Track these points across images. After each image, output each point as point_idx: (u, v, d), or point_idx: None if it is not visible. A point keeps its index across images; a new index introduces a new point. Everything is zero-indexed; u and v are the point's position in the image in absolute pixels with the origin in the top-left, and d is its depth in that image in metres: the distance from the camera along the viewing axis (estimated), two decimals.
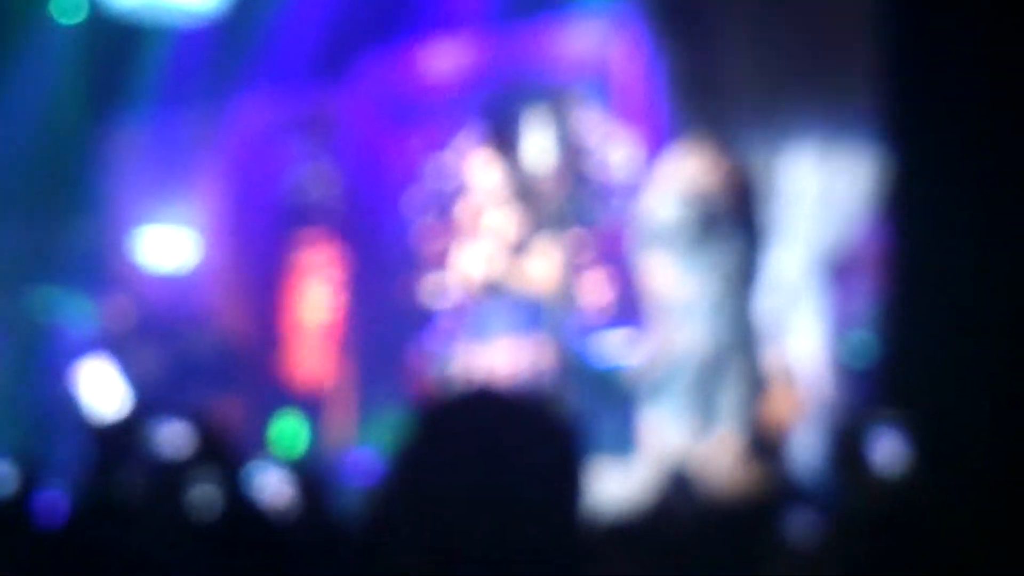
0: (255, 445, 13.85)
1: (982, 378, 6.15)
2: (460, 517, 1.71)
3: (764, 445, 7.51)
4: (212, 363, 15.38)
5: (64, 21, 16.19)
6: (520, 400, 1.81)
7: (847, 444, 5.63)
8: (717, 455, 7.18)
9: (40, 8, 15.99)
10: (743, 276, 7.39)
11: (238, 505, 4.10)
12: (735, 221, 7.35)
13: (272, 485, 4.58)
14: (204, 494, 3.88)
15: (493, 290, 7.56)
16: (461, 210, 14.72)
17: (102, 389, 3.89)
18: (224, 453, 3.95)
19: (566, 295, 8.99)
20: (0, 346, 15.82)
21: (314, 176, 16.88)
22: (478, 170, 7.65)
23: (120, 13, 13.82)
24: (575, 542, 1.80)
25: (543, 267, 7.41)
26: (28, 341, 14.97)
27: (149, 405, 14.50)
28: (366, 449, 15.14)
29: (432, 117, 15.62)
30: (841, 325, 8.99)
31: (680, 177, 7.30)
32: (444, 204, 15.59)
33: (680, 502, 4.53)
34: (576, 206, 9.00)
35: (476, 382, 6.45)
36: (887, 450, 4.42)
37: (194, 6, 13.74)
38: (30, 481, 5.51)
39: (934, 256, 6.40)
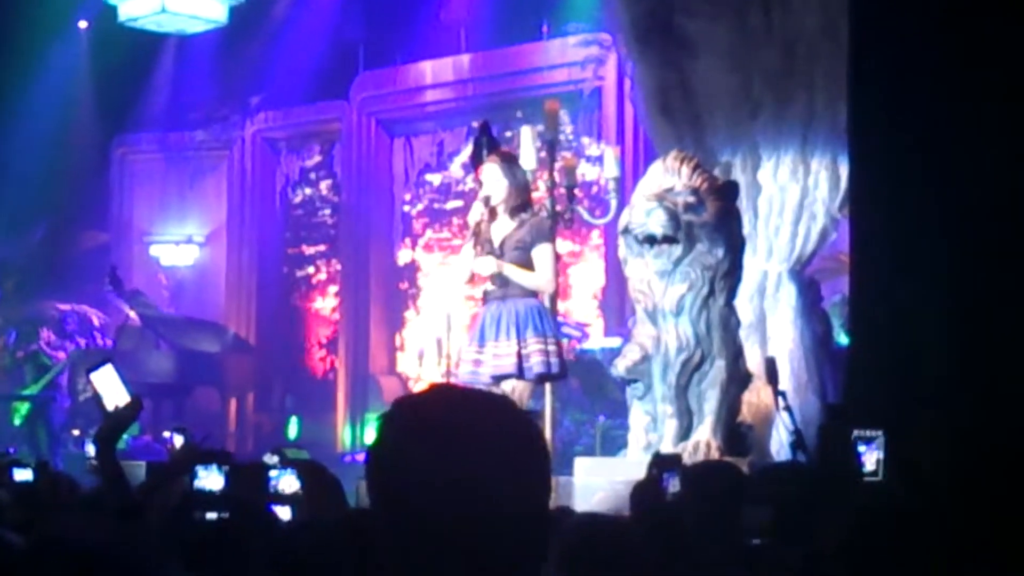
0: (263, 441, 14.15)
1: (945, 369, 6.35)
2: (430, 510, 1.74)
3: (743, 441, 7.78)
4: (219, 364, 15.66)
5: (84, 30, 16.26)
6: (482, 399, 1.85)
7: (826, 443, 5.86)
8: (700, 450, 7.44)
9: (65, 18, 16.06)
10: (723, 280, 7.62)
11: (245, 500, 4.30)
12: (715, 228, 7.56)
13: (283, 480, 4.70)
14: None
15: (488, 295, 7.75)
16: (457, 219, 15.00)
17: (113, 393, 4.04)
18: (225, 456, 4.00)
19: (557, 299, 9.22)
20: (16, 353, 16.09)
21: (316, 189, 17.17)
22: (474, 180, 7.89)
23: (133, 22, 13.84)
24: (540, 534, 1.81)
25: (536, 273, 7.60)
26: (41, 349, 15.19)
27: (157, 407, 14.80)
28: (360, 448, 15.42)
29: (429, 132, 15.92)
30: (816, 324, 9.31)
31: (662, 188, 7.51)
32: (441, 214, 15.88)
33: (662, 496, 4.71)
34: (566, 215, 9.27)
35: (446, 383, 6.59)
36: (864, 449, 4.61)
37: (204, 15, 13.80)
38: (48, 481, 5.76)
39: (895, 258, 6.65)
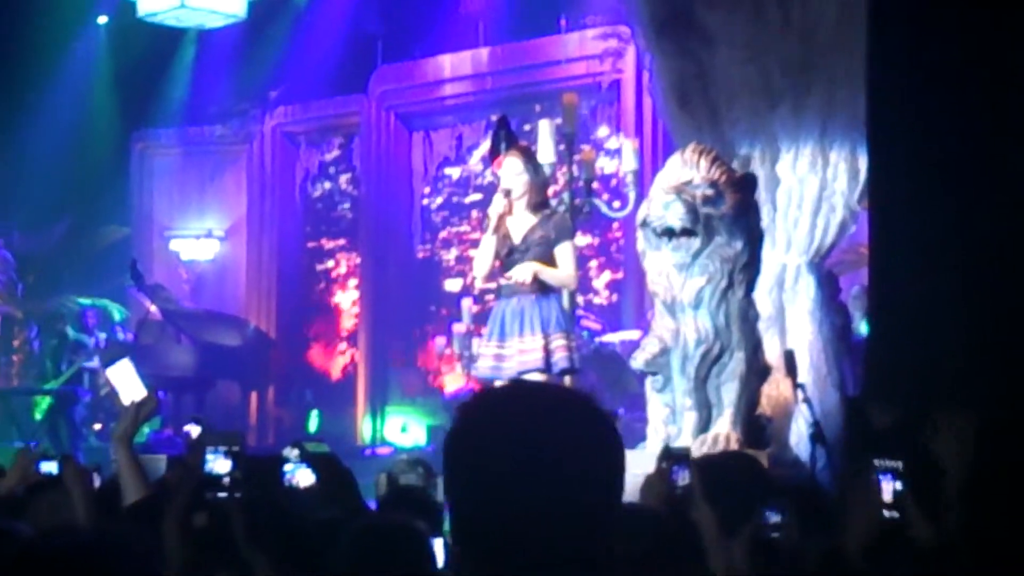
0: (284, 434, 14.18)
1: (965, 362, 6.31)
2: (501, 498, 1.77)
3: (762, 434, 7.76)
4: (240, 358, 15.70)
5: (104, 25, 16.32)
6: (559, 394, 1.90)
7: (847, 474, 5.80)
8: (719, 443, 7.41)
9: (84, 14, 16.10)
10: (742, 272, 7.60)
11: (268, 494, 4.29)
12: (734, 221, 7.53)
13: (298, 473, 4.69)
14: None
15: (508, 289, 7.74)
16: (477, 213, 15.00)
17: (130, 388, 4.05)
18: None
19: (576, 293, 9.22)
20: (37, 348, 16.16)
21: (335, 183, 17.20)
22: (492, 174, 7.87)
23: (153, 17, 13.87)
24: (609, 526, 1.84)
25: (561, 269, 7.59)
26: (63, 342, 15.24)
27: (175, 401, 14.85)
28: (380, 441, 15.46)
29: (448, 126, 15.92)
30: (835, 317, 9.28)
31: (680, 180, 7.48)
32: (460, 208, 15.88)
33: (672, 489, 4.70)
34: (585, 208, 9.25)
35: (516, 379, 6.56)
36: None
37: (223, 9, 13.82)
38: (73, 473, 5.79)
39: (914, 250, 6.61)
